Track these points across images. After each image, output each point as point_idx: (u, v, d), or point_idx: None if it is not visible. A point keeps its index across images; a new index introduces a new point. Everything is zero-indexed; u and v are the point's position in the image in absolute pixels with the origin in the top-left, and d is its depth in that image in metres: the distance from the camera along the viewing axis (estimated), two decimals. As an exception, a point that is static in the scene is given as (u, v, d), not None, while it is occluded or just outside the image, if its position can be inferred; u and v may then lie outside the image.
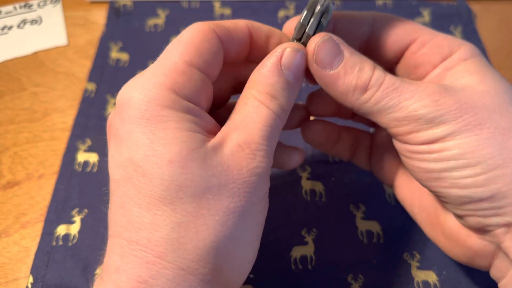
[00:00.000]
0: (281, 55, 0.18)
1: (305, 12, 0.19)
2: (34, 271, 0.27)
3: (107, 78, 0.37)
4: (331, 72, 0.19)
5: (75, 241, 0.28)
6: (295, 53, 0.19)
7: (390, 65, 0.23)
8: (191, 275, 0.16)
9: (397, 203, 0.30)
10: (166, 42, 0.39)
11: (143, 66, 0.38)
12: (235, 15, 0.42)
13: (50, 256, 0.27)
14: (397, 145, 0.20)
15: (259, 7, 0.42)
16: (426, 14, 0.41)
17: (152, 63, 0.40)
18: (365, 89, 0.18)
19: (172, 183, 0.16)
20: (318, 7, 0.19)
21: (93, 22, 0.41)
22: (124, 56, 0.38)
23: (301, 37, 0.20)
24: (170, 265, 0.16)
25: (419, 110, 0.17)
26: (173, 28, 0.41)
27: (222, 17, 0.41)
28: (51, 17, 0.42)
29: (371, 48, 0.22)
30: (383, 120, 0.19)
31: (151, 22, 0.41)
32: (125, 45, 0.39)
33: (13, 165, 0.32)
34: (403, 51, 0.22)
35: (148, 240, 0.16)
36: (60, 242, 0.28)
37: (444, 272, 0.27)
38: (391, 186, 0.25)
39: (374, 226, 0.29)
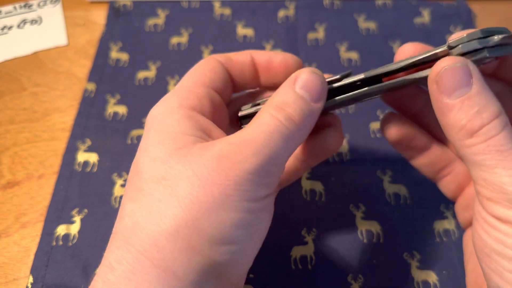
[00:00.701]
0: (295, 76, 0.19)
1: (478, 32, 0.17)
2: (34, 271, 0.27)
3: (107, 78, 0.37)
4: (447, 100, 0.17)
5: (75, 241, 0.28)
6: (310, 74, 0.19)
7: None
8: (146, 259, 0.16)
9: (396, 202, 0.30)
10: (166, 42, 0.39)
11: (143, 66, 0.38)
12: (235, 15, 0.42)
13: (50, 256, 0.27)
14: (475, 202, 0.18)
15: (259, 7, 0.42)
16: (426, 14, 0.41)
17: (152, 63, 0.41)
18: (471, 134, 0.17)
19: (153, 177, 0.17)
20: (496, 38, 0.17)
21: (93, 22, 0.41)
22: (124, 56, 0.38)
23: (453, 48, 0.18)
24: (133, 249, 0.16)
25: (509, 186, 0.16)
26: (173, 28, 0.41)
27: (222, 17, 0.41)
28: (51, 17, 0.42)
29: None
30: (473, 172, 0.17)
31: (151, 22, 0.41)
32: (125, 45, 0.39)
33: (13, 165, 0.32)
34: None
35: (124, 227, 0.17)
36: (60, 242, 0.28)
37: (444, 272, 0.27)
38: (465, 227, 0.24)
39: (374, 226, 0.29)
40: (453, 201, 0.25)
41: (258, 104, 0.22)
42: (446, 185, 0.24)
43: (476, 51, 0.18)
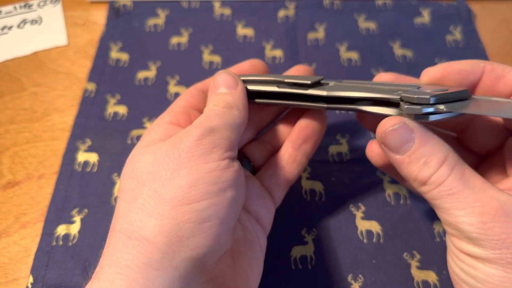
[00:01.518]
0: (213, 83, 0.23)
1: (428, 98, 0.18)
2: (34, 271, 0.27)
3: (107, 78, 0.37)
4: (397, 156, 0.19)
5: (75, 241, 0.28)
6: (220, 75, 0.23)
7: None
8: (123, 235, 0.18)
9: (396, 202, 0.30)
10: (166, 42, 0.39)
11: (143, 66, 0.38)
12: (235, 15, 0.42)
13: (50, 256, 0.27)
14: (446, 235, 0.20)
15: (259, 7, 0.42)
16: (426, 14, 0.41)
17: (152, 63, 0.41)
18: (423, 183, 0.19)
19: (125, 174, 0.20)
20: (441, 108, 0.18)
21: (93, 22, 0.42)
22: (124, 56, 0.38)
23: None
24: (114, 232, 0.18)
25: (464, 225, 0.17)
26: (173, 28, 0.41)
27: (222, 17, 0.41)
28: (51, 17, 0.42)
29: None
30: (436, 212, 0.19)
31: (151, 22, 0.41)
32: (125, 45, 0.39)
33: (13, 165, 0.32)
34: None
35: (115, 219, 0.19)
36: (60, 242, 0.28)
37: (444, 272, 0.27)
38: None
39: (374, 226, 0.29)
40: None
41: None
42: None
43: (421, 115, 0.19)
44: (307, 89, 0.23)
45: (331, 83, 0.23)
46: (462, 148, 0.25)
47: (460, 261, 0.18)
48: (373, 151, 0.25)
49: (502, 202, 0.17)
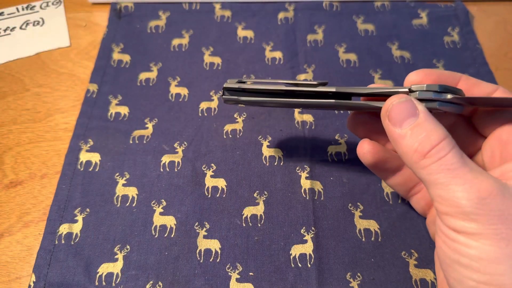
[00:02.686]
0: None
1: (437, 86, 0.20)
2: (36, 269, 0.27)
3: (109, 79, 0.37)
4: (399, 131, 0.20)
5: (77, 240, 0.28)
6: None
7: None
8: None
9: (395, 202, 0.30)
10: (167, 43, 0.40)
11: (145, 67, 0.38)
12: (235, 17, 0.42)
13: (53, 255, 0.28)
14: (436, 218, 0.20)
15: (259, 9, 0.43)
16: (423, 16, 0.42)
17: (153, 64, 0.41)
18: (424, 155, 0.19)
19: None
20: (449, 96, 0.20)
21: (95, 23, 0.42)
22: (126, 57, 0.39)
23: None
24: None
25: (461, 200, 0.18)
26: (174, 29, 0.41)
27: (222, 18, 0.42)
28: (53, 18, 0.42)
29: None
30: (430, 191, 0.19)
31: (152, 23, 0.41)
32: (127, 47, 0.40)
33: (16, 165, 0.32)
34: None
35: None
36: (63, 241, 0.28)
37: (441, 270, 0.27)
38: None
39: (372, 225, 0.29)
40: (423, 216, 0.27)
41: (243, 82, 0.26)
42: (417, 202, 0.27)
43: (429, 100, 0.20)
44: (316, 87, 0.24)
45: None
46: None
47: (452, 241, 0.18)
48: (364, 148, 0.26)
49: (497, 183, 0.18)
